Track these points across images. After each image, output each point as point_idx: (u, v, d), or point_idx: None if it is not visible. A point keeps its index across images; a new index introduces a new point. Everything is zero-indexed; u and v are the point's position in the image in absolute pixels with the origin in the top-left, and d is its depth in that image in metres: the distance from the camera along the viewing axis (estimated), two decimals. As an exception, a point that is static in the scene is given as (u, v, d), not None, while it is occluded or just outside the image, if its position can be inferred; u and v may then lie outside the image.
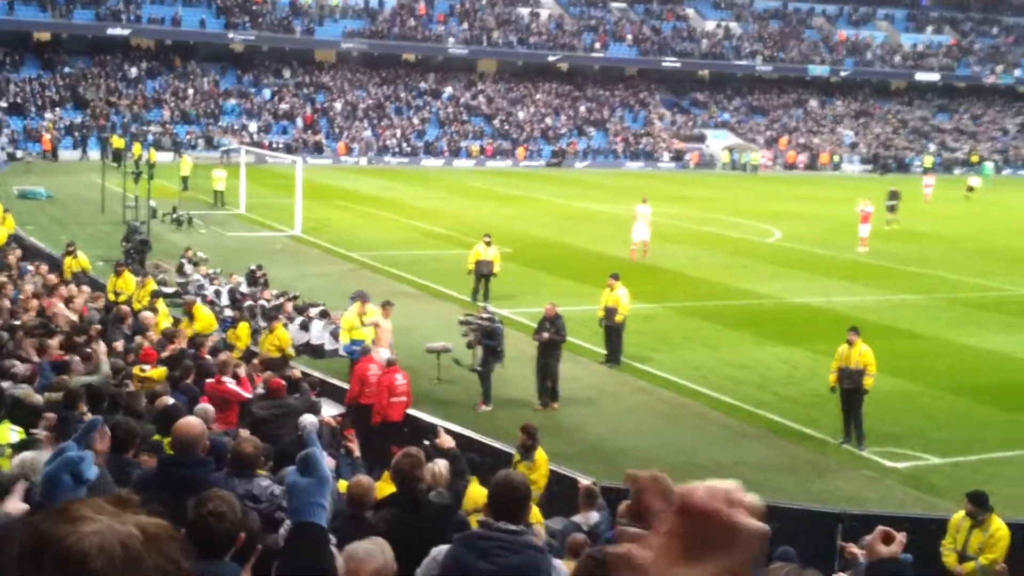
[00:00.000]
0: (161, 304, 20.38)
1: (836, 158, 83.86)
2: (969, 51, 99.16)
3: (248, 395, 14.42)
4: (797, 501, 14.48)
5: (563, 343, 19.91)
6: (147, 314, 18.39)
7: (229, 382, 14.30)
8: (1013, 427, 18.90)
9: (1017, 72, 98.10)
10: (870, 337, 18.74)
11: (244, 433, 11.68)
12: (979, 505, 11.84)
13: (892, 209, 45.15)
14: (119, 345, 15.55)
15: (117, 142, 58.46)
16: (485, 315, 19.99)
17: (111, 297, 22.15)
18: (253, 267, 27.04)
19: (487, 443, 15.21)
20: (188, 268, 26.83)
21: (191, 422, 7.29)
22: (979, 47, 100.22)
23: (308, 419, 12.56)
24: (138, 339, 16.40)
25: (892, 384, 20.28)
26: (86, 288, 21.13)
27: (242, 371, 15.00)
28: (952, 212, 53.54)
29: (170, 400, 11.73)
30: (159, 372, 14.16)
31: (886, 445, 17.44)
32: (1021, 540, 12.46)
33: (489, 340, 19.43)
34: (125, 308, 19.44)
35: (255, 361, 16.66)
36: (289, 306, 23.22)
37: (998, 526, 11.81)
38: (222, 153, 61.08)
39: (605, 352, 22.25)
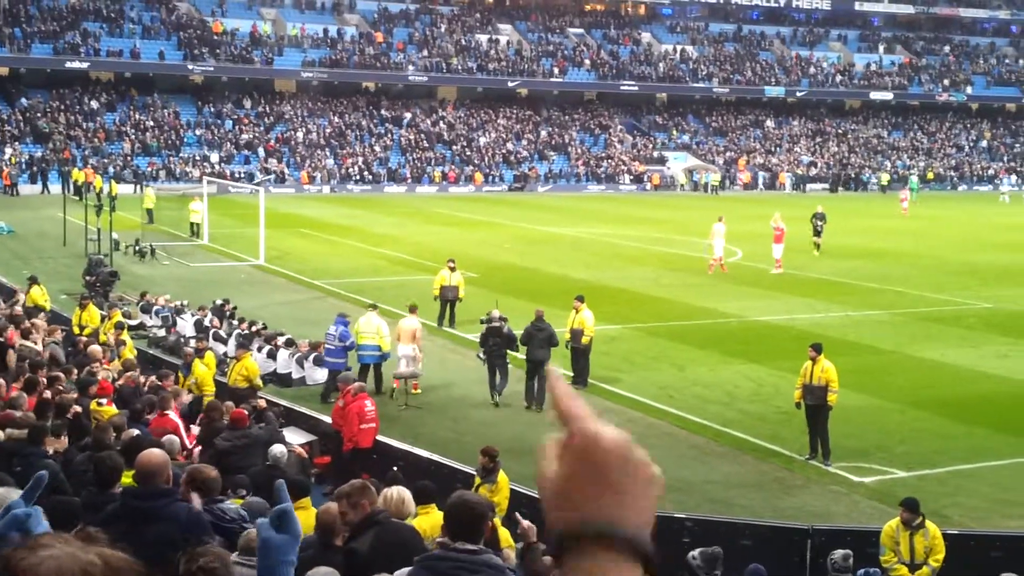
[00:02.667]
0: (126, 336, 20.28)
1: (793, 177, 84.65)
2: (921, 69, 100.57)
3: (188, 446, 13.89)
4: (766, 518, 14.62)
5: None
6: (94, 347, 18.06)
7: (171, 415, 14.03)
8: (974, 439, 19.15)
9: (969, 89, 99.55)
10: (833, 353, 18.95)
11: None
12: (914, 511, 12.03)
13: (818, 231, 42.58)
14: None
15: (78, 175, 58.18)
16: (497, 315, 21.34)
17: (76, 331, 22.06)
18: (220, 301, 26.81)
19: (456, 467, 15.24)
20: (149, 307, 26.60)
21: (153, 453, 7.26)
22: (930, 65, 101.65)
23: (278, 449, 12.55)
24: (101, 372, 16.20)
25: (856, 399, 20.51)
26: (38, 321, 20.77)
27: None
28: (908, 228, 54.19)
29: (135, 432, 11.68)
30: (112, 411, 13.74)
31: (852, 460, 17.62)
32: (984, 550, 12.67)
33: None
34: (85, 340, 19.34)
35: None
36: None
37: (935, 528, 12.03)
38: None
39: (572, 374, 22.33)
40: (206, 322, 24.65)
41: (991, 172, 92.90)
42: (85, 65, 74.00)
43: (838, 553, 10.99)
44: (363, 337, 21.60)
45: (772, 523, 14.07)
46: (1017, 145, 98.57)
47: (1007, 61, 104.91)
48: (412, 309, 22.53)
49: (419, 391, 21.48)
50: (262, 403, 16.45)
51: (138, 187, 62.11)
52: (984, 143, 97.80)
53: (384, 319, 22.14)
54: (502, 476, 13.12)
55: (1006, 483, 16.94)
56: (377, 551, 6.55)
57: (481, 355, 21.62)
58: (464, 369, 23.70)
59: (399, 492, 8.65)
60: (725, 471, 17.40)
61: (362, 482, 7.13)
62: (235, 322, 24.98)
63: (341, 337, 21.32)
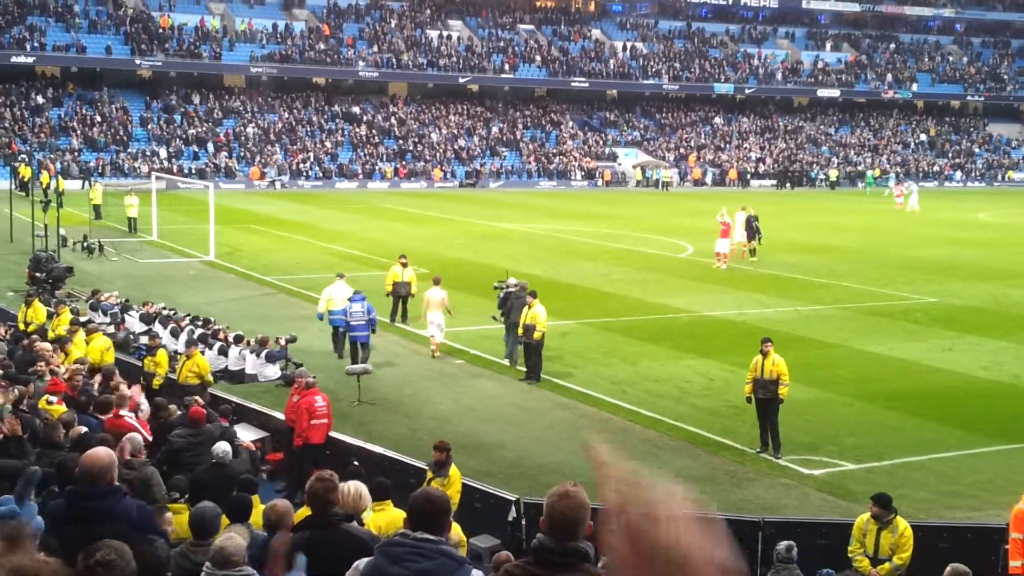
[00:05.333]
0: (81, 334, 20.04)
1: (746, 173, 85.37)
2: (867, 67, 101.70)
3: (149, 437, 13.82)
4: (717, 511, 14.74)
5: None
6: (43, 344, 17.82)
7: (128, 416, 13.94)
8: (921, 431, 19.42)
9: (914, 87, 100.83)
10: (782, 348, 19.14)
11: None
12: (885, 507, 12.14)
13: (751, 235, 40.17)
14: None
15: (24, 171, 57.41)
16: (513, 282, 23.84)
17: (21, 327, 21.78)
18: (167, 311, 25.81)
19: (410, 463, 15.23)
20: (97, 304, 26.16)
21: (98, 453, 7.12)
22: (877, 63, 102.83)
23: (221, 447, 12.40)
24: (40, 366, 15.87)
25: (805, 393, 20.73)
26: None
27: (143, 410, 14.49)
28: (855, 224, 54.83)
29: (83, 429, 11.57)
30: (62, 410, 13.59)
31: (802, 453, 17.81)
32: (931, 541, 12.86)
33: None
34: (33, 338, 19.07)
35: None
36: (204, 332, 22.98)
37: (904, 526, 12.13)
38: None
39: (525, 369, 22.42)
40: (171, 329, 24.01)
41: (936, 168, 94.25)
42: (31, 60, 73.06)
43: (782, 544, 11.10)
44: (333, 303, 23.99)
45: (723, 516, 14.20)
46: (963, 142, 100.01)
47: (951, 59, 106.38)
48: (436, 280, 25.00)
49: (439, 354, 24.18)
50: (200, 401, 16.23)
51: (85, 183, 61.49)
52: (925, 138, 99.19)
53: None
54: (454, 470, 13.13)
55: (951, 474, 17.20)
56: (306, 551, 6.56)
57: (497, 316, 23.70)
58: (417, 366, 23.71)
59: (355, 487, 8.64)
60: (677, 465, 17.50)
61: (331, 477, 7.12)
62: (180, 315, 24.65)
63: (368, 310, 22.92)
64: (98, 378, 16.06)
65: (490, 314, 24.68)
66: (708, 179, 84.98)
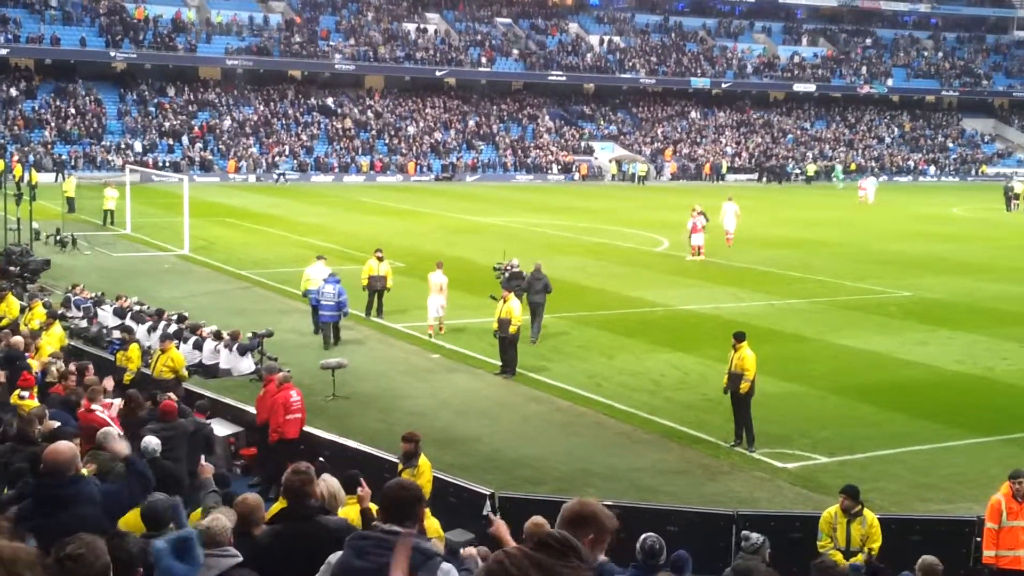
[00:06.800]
0: (57, 327, 19.86)
1: (723, 168, 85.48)
2: (843, 62, 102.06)
3: (120, 431, 13.62)
4: (691, 504, 14.80)
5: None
6: (16, 339, 17.58)
7: (99, 411, 13.80)
8: (893, 425, 19.53)
9: (890, 82, 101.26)
10: (758, 341, 19.20)
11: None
12: (854, 498, 12.19)
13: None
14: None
15: (-4, 163, 56.96)
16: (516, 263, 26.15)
17: (-7, 321, 21.57)
18: (138, 307, 25.41)
19: (385, 458, 15.18)
20: (74, 302, 25.97)
21: (59, 447, 7.15)
22: (853, 58, 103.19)
23: (152, 442, 11.92)
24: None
25: (779, 387, 20.82)
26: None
27: (114, 409, 14.33)
28: (830, 218, 55.07)
29: (56, 424, 11.45)
30: (34, 404, 13.44)
31: (776, 446, 17.88)
32: (903, 534, 12.94)
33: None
34: (7, 333, 18.88)
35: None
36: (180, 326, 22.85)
37: (872, 517, 12.20)
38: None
39: (500, 363, 22.41)
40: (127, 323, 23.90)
41: (910, 163, 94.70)
42: (4, 52, 72.47)
43: (743, 533, 10.98)
44: (311, 283, 25.73)
45: (698, 509, 14.24)
46: (937, 137, 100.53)
47: (926, 53, 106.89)
48: (439, 265, 26.20)
49: (444, 331, 25.66)
50: (173, 396, 16.12)
51: (59, 175, 61.09)
52: (900, 133, 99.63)
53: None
54: (424, 461, 13.07)
55: (924, 467, 17.31)
56: (277, 544, 6.53)
57: (497, 296, 23.78)
58: (393, 360, 23.68)
59: (328, 488, 8.55)
60: (652, 458, 17.56)
61: (307, 469, 7.08)
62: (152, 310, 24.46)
63: (339, 293, 24.22)
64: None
65: (489, 294, 24.85)
66: (668, 172, 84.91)
